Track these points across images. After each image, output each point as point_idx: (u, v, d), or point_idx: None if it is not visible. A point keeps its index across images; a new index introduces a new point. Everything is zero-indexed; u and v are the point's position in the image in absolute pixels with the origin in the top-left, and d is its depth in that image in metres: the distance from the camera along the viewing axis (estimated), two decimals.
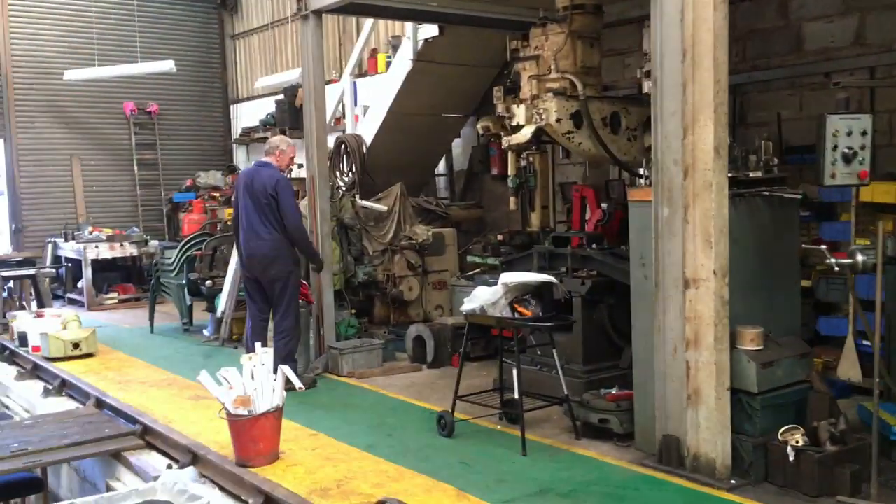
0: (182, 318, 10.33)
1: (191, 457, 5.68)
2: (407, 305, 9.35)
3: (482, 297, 5.42)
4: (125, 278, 14.11)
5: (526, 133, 6.41)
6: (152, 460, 6.00)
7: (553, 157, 9.08)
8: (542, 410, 6.02)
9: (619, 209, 7.93)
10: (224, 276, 9.86)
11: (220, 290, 9.70)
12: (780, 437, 4.63)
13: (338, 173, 9.90)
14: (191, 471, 5.54)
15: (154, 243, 13.80)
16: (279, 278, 7.14)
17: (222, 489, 5.27)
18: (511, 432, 5.84)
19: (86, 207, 15.03)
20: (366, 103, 11.04)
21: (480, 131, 8.67)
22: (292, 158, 7.55)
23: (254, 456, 5.26)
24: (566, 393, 5.63)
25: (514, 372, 5.50)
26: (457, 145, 11.06)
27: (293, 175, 8.70)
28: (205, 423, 6.32)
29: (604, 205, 7.84)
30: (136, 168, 15.52)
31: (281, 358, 7.05)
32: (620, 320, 6.18)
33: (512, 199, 8.79)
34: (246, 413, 5.22)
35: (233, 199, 7.89)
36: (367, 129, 10.15)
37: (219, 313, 9.59)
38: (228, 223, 14.13)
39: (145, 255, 13.80)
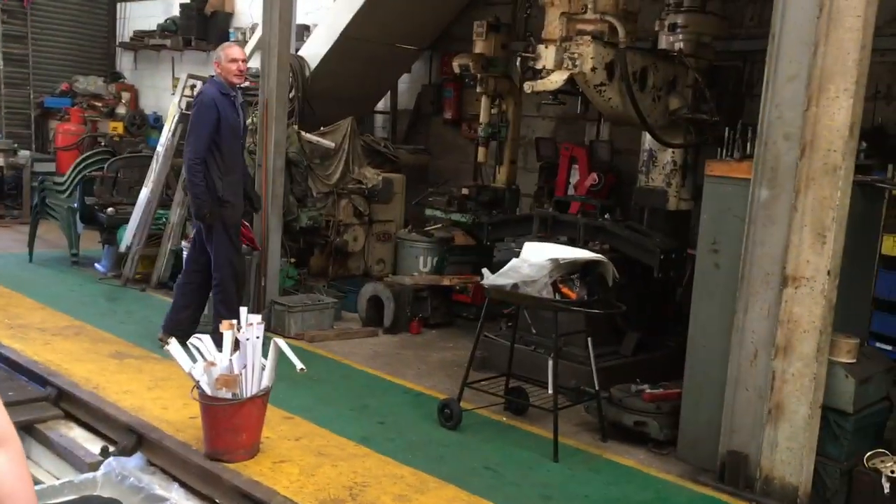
0: (70, 247, 8.77)
1: (135, 438, 4.56)
2: (347, 257, 8.29)
3: (520, 272, 4.52)
4: None
5: (557, 80, 5.48)
6: (76, 436, 4.80)
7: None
8: (543, 402, 5.24)
9: (612, 174, 7.23)
10: (129, 204, 8.41)
11: (123, 220, 8.26)
12: (866, 464, 4.08)
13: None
14: (138, 458, 4.43)
15: (24, 153, 11.96)
16: (196, 218, 5.98)
17: (185, 486, 4.20)
18: (519, 426, 5.06)
19: None
20: (309, 21, 9.69)
21: (457, 69, 7.72)
22: (237, 63, 5.94)
23: (233, 448, 4.19)
24: (597, 388, 4.87)
25: (550, 364, 4.67)
26: (402, 81, 9.95)
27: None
28: (143, 393, 5.13)
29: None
30: (0, 62, 13.29)
31: (216, 315, 5.91)
32: (628, 303, 5.47)
33: (482, 149, 7.97)
34: (230, 396, 4.12)
35: None
36: (311, 51, 8.85)
37: (122, 247, 8.16)
38: (116, 139, 12.50)
39: (12, 167, 11.94)
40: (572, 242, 5.93)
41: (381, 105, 10.11)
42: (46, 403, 5.08)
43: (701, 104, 6.20)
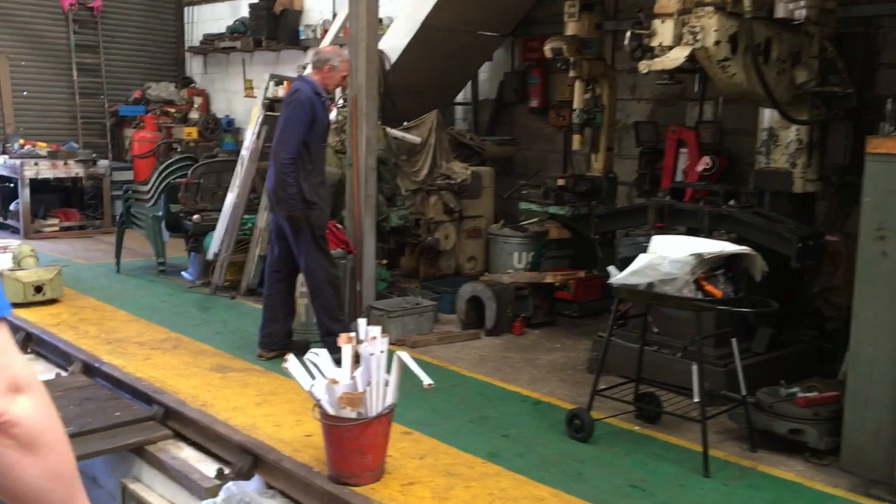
0: (157, 256, 8.63)
1: (251, 459, 4.29)
2: (439, 256, 7.96)
3: (660, 270, 4.11)
4: (63, 202, 12.14)
5: (677, 56, 5.04)
6: (187, 457, 4.57)
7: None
8: (677, 408, 4.82)
9: (724, 157, 6.74)
10: (214, 210, 8.23)
11: (209, 227, 8.07)
12: None
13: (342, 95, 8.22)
14: (256, 481, 4.16)
15: (104, 163, 11.94)
16: (288, 221, 5.69)
17: None
18: (656, 436, 4.65)
19: (15, 117, 12.83)
20: (386, 14, 9.38)
21: (549, 53, 7.30)
22: (344, 78, 5.95)
23: (359, 472, 3.88)
24: (744, 393, 4.43)
25: (695, 370, 4.25)
26: (483, 71, 9.57)
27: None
28: (252, 410, 4.87)
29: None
30: (75, 73, 13.31)
31: (319, 324, 5.65)
32: (761, 295, 5.00)
33: (577, 137, 7.54)
34: (355, 416, 3.81)
35: None
36: (390, 44, 8.53)
37: (210, 254, 7.97)
38: (191, 144, 12.40)
39: (91, 177, 11.93)
40: (694, 232, 5.51)
41: (460, 96, 9.75)
42: (154, 423, 4.87)
43: (829, 76, 5.68)
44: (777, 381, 5.57)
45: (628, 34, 5.74)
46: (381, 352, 3.82)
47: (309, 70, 5.98)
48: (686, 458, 4.31)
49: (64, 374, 5.79)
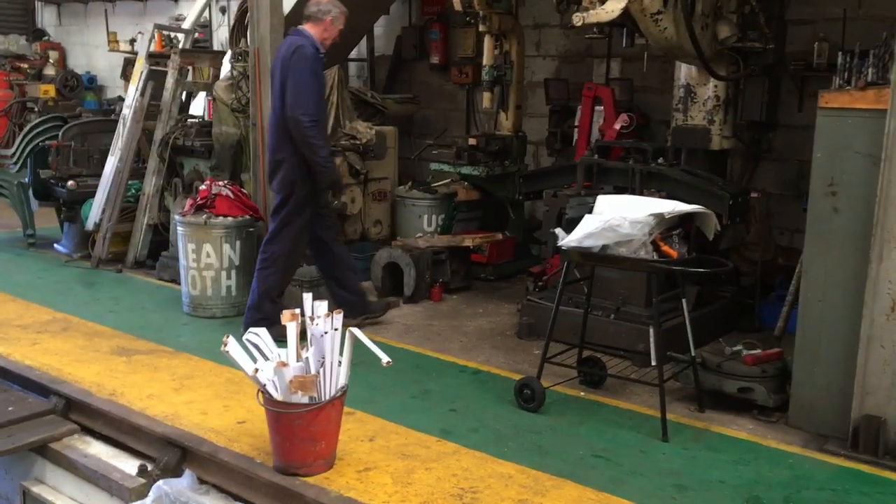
0: (25, 227, 7.80)
1: (178, 453, 3.90)
2: (344, 221, 7.56)
3: (619, 231, 3.94)
4: None
5: (614, 8, 4.87)
6: (96, 452, 4.11)
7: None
8: (616, 371, 4.74)
9: (639, 115, 6.67)
10: (90, 176, 7.48)
11: (87, 194, 7.34)
12: None
13: (239, 49, 7.61)
14: (188, 477, 3.76)
15: None
16: (279, 191, 5.27)
17: None
18: (604, 401, 4.54)
19: None
20: None
21: (459, 6, 7.01)
22: (340, 33, 5.45)
23: (311, 460, 3.54)
24: (692, 354, 4.36)
25: (652, 333, 4.13)
26: (378, 25, 9.13)
27: None
28: (170, 397, 4.41)
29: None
30: None
31: (255, 294, 5.24)
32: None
33: (486, 94, 7.31)
34: (306, 401, 3.46)
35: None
36: None
37: (90, 224, 7.26)
38: (50, 104, 11.30)
39: None
40: (622, 191, 5.42)
41: (353, 52, 9.28)
42: (55, 417, 4.34)
43: (749, 31, 5.67)
44: (705, 339, 5.62)
45: None
46: (336, 329, 3.47)
47: (303, 25, 5.37)
48: (640, 423, 4.21)
49: None
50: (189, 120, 7.00)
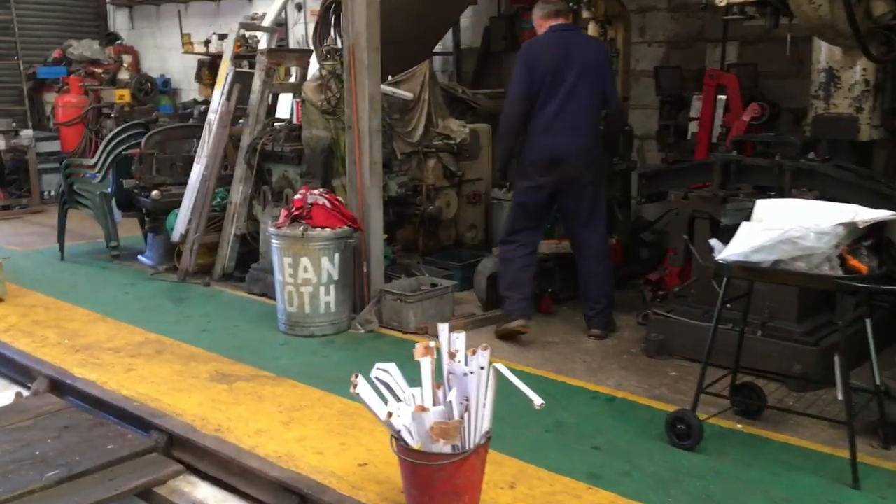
0: (109, 239, 7.52)
1: (297, 501, 3.44)
2: (438, 226, 7.09)
3: (801, 244, 3.37)
4: None
5: None
6: (204, 496, 3.70)
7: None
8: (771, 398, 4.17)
9: (771, 104, 6.03)
10: (175, 184, 7.17)
11: (172, 204, 7.02)
12: None
13: (324, 45, 7.15)
14: None
15: (27, 133, 10.62)
16: (595, 182, 5.38)
17: None
18: (764, 434, 3.98)
19: None
20: None
21: None
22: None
23: None
24: (878, 383, 3.76)
25: (838, 363, 3.56)
26: (464, 16, 8.64)
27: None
28: (280, 433, 3.99)
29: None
30: None
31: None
32: None
33: None
34: (449, 450, 2.98)
35: (517, 78, 5.29)
36: None
37: (175, 236, 6.94)
38: (126, 109, 11.12)
39: (12, 149, 10.61)
40: (765, 191, 4.83)
41: (438, 46, 8.80)
42: (157, 455, 3.95)
43: None
44: (862, 356, 5.00)
45: None
46: (482, 368, 2.99)
47: (558, 19, 5.36)
48: (819, 465, 3.64)
49: (26, 392, 4.78)
50: (276, 124, 6.59)
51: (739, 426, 4.07)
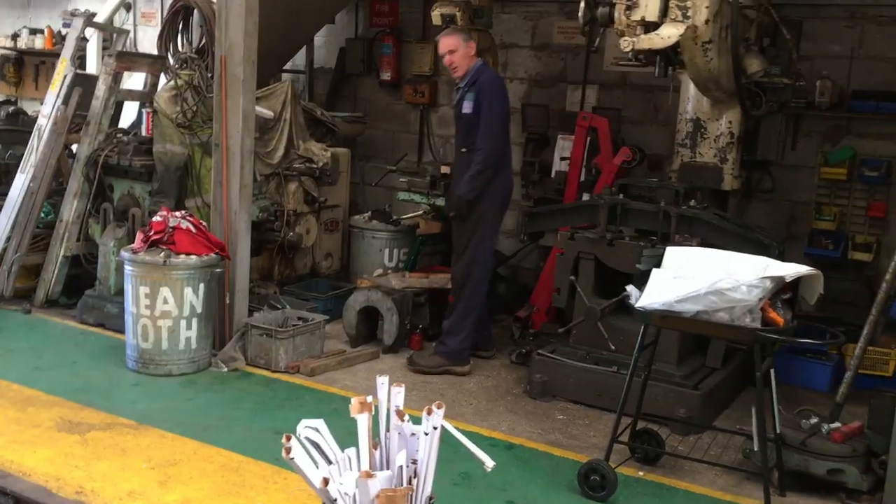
0: None
1: None
2: (294, 254, 6.68)
3: (729, 296, 3.37)
4: None
5: (669, 35, 4.35)
6: None
7: None
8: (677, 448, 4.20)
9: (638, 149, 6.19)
10: None
11: None
12: None
13: (184, 54, 6.55)
14: None
15: None
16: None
17: None
18: (668, 482, 3.98)
19: None
20: None
21: (439, 20, 6.34)
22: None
23: None
24: (778, 431, 3.85)
25: (755, 413, 3.59)
26: (318, 35, 8.27)
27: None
28: (159, 495, 3.47)
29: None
30: None
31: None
32: None
33: None
34: None
35: (504, 111, 5.35)
36: None
37: None
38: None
39: None
40: (646, 234, 4.92)
41: (288, 63, 8.37)
42: None
43: (773, 66, 5.31)
44: (729, 399, 5.18)
45: (582, 4, 4.95)
46: (435, 428, 2.71)
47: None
48: None
49: None
50: (124, 136, 5.91)
51: (641, 473, 4.04)
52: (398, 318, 5.58)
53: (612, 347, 4.86)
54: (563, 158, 6.31)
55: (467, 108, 5.20)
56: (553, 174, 6.62)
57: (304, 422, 2.87)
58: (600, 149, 6.06)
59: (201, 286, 4.88)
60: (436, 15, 6.28)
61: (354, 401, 2.84)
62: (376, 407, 2.86)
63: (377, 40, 7.91)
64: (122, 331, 5.41)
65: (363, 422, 2.79)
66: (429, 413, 2.68)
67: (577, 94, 7.08)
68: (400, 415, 2.74)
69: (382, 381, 2.87)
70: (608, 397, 4.81)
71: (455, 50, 5.20)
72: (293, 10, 7.27)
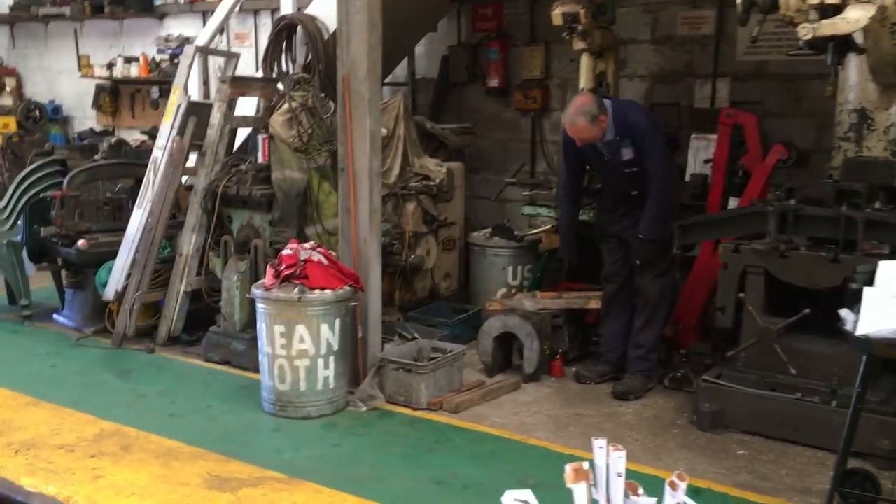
0: (19, 297, 6.33)
1: None
2: (415, 277, 6.35)
3: None
4: None
5: (857, 17, 3.84)
6: None
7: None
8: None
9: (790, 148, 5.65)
10: (102, 232, 6.10)
11: (102, 255, 5.96)
12: None
13: (297, 75, 6.26)
14: None
15: None
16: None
17: None
18: None
19: None
20: None
21: (559, 20, 5.89)
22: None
23: None
24: None
25: None
26: (418, 45, 7.95)
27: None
28: None
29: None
30: None
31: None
32: None
33: None
34: None
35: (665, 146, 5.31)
36: (322, 8, 6.69)
37: (109, 293, 5.86)
38: (15, 139, 9.74)
39: None
40: (824, 243, 4.40)
41: (388, 77, 8.06)
42: None
43: None
44: None
45: None
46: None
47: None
48: None
49: None
50: (242, 165, 5.67)
51: None
52: (538, 345, 5.18)
53: (793, 371, 4.37)
54: (706, 161, 5.81)
55: (627, 154, 4.99)
56: (688, 178, 6.13)
57: (510, 493, 2.50)
58: (747, 148, 5.55)
59: (337, 322, 4.57)
60: (556, 15, 5.84)
61: (569, 468, 2.44)
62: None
63: (482, 46, 7.53)
64: (248, 368, 5.20)
65: (580, 493, 2.40)
66: (672, 487, 2.27)
67: (707, 89, 6.57)
68: (633, 488, 2.33)
69: (599, 444, 2.47)
70: (791, 428, 4.34)
71: (594, 136, 4.94)
72: (399, 23, 6.95)
